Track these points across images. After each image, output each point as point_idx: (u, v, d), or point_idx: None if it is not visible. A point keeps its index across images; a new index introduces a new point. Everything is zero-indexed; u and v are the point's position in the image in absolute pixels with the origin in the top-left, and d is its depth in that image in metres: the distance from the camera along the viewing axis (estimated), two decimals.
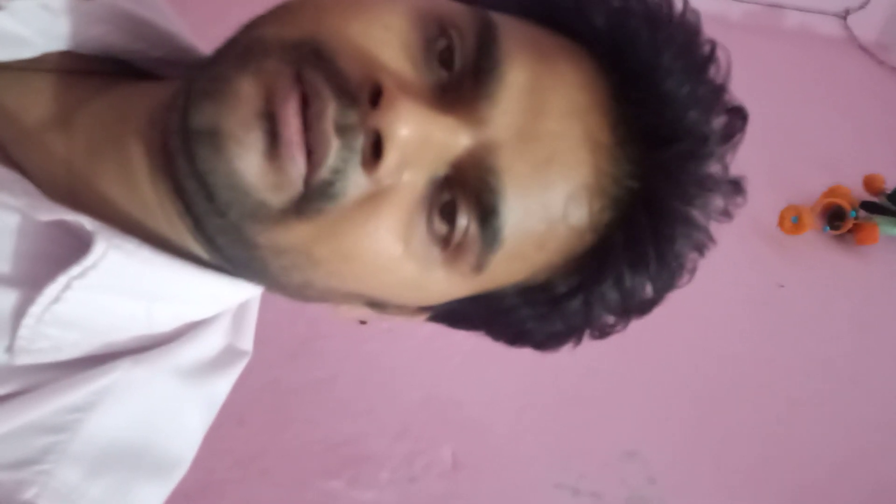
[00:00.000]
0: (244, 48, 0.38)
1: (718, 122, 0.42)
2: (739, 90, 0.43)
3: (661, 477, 1.28)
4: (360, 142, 0.36)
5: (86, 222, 0.39)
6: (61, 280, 0.38)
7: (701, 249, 0.43)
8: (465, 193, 0.39)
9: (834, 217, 1.67)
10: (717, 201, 0.42)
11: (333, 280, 0.41)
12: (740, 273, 1.51)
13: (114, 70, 0.47)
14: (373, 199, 0.37)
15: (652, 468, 1.28)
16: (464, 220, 0.39)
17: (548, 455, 1.24)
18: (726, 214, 0.43)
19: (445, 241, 0.39)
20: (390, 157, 0.36)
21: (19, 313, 0.39)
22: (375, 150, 0.36)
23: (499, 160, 0.38)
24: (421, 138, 0.36)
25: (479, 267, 0.40)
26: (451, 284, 0.42)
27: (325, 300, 0.45)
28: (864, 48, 2.07)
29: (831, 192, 1.67)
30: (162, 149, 0.39)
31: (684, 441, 1.33)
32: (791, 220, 1.60)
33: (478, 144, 0.38)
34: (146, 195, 0.41)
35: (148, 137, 0.40)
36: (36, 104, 0.44)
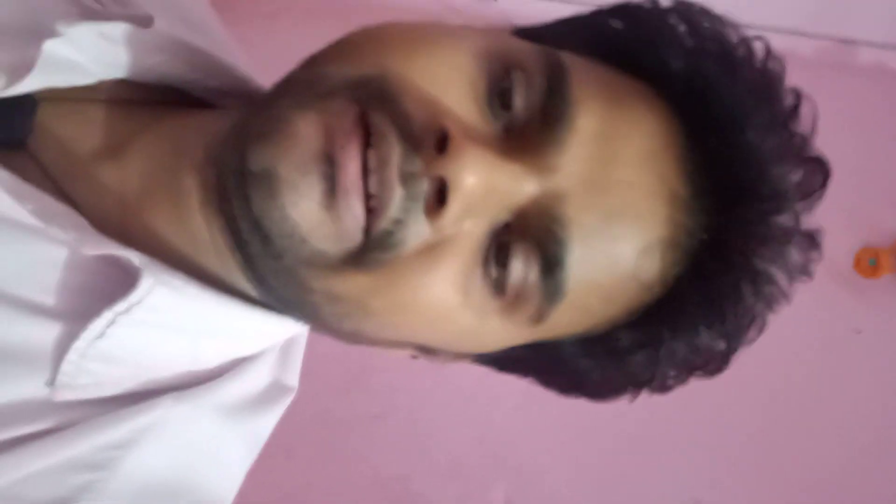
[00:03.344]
0: (305, 85, 0.38)
1: (798, 174, 0.40)
2: (810, 99, 0.41)
3: None
4: (423, 190, 0.35)
5: (134, 257, 0.38)
6: (106, 315, 0.38)
7: (773, 306, 0.41)
8: (525, 241, 0.37)
9: None
10: (795, 256, 0.40)
11: (387, 330, 0.40)
12: (814, 317, 1.44)
13: (169, 99, 0.47)
14: (432, 248, 0.36)
15: None
16: (519, 265, 0.37)
17: (606, 501, 1.20)
18: (805, 272, 0.41)
19: (500, 287, 0.38)
20: (455, 206, 0.35)
21: (63, 348, 0.38)
22: (439, 198, 0.35)
23: (566, 209, 0.37)
24: (487, 187, 0.35)
25: (538, 318, 0.39)
26: (506, 333, 0.41)
27: (376, 345, 0.44)
28: None
29: None
30: (217, 186, 0.38)
31: (751, 489, 1.28)
32: (868, 263, 1.54)
33: (544, 192, 0.37)
34: (197, 230, 0.41)
35: (203, 173, 0.40)
36: (90, 135, 0.44)
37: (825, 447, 1.35)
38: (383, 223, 0.35)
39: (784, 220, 0.40)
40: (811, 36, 1.96)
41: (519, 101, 0.37)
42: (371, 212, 0.35)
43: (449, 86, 0.37)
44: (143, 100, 0.46)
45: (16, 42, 0.41)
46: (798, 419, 1.36)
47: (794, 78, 0.41)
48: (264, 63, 0.49)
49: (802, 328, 1.45)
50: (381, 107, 0.36)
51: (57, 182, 0.42)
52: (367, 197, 0.35)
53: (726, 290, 0.40)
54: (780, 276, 0.40)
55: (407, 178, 0.35)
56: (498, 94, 0.38)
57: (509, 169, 0.36)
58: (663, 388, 0.43)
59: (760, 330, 0.42)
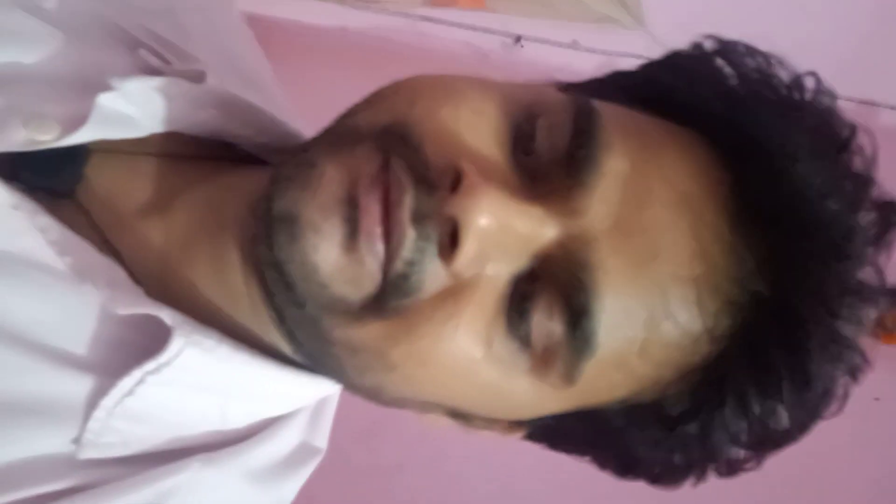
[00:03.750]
0: (336, 136, 0.37)
1: (866, 217, 0.36)
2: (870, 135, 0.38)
3: None
4: (436, 231, 0.34)
5: (165, 316, 0.38)
6: (136, 374, 0.38)
7: (853, 372, 0.37)
8: (550, 290, 0.35)
9: None
10: (870, 312, 0.36)
11: (408, 386, 0.38)
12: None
13: (221, 154, 0.47)
14: (452, 294, 0.35)
15: None
16: (542, 317, 0.35)
17: None
18: (879, 334, 0.37)
19: (525, 340, 0.36)
20: (467, 247, 0.34)
21: (91, 404, 0.38)
22: (453, 241, 0.34)
23: (593, 254, 0.35)
24: (501, 228, 0.34)
25: (569, 377, 0.36)
26: (540, 395, 0.38)
27: (402, 406, 0.42)
28: None
29: None
30: (252, 236, 0.38)
31: None
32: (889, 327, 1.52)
33: (568, 236, 0.35)
34: (234, 285, 0.40)
35: (243, 227, 0.40)
36: (138, 188, 0.44)
37: None
38: (397, 265, 0.34)
39: (851, 266, 0.35)
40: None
41: (542, 142, 0.36)
42: (386, 256, 0.35)
43: (471, 131, 0.36)
44: (194, 155, 0.46)
45: (73, 94, 0.41)
46: (814, 487, 1.34)
47: None
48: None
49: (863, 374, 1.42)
50: (401, 153, 0.35)
51: (103, 233, 0.42)
52: (385, 242, 0.35)
53: (777, 347, 0.36)
54: (850, 332, 0.36)
55: (419, 220, 0.34)
56: (521, 139, 0.37)
57: (527, 210, 0.34)
58: (730, 468, 0.40)
59: (842, 402, 0.37)
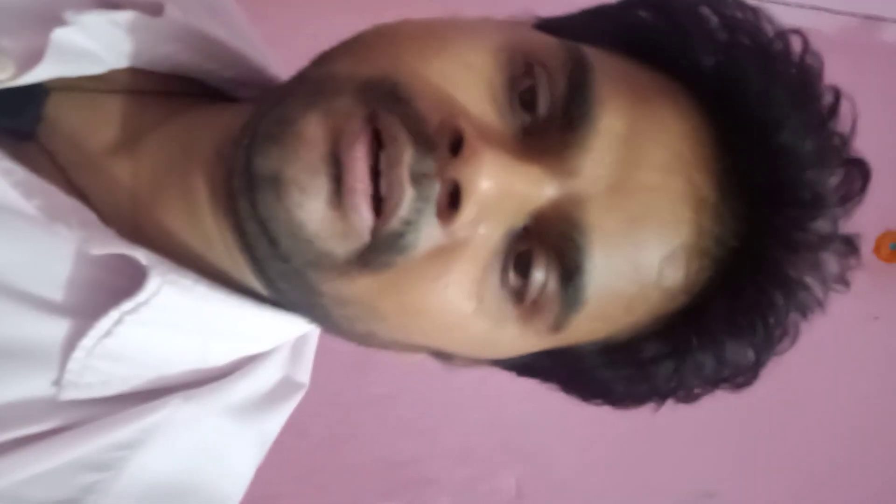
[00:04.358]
0: (313, 86, 0.37)
1: (836, 177, 0.38)
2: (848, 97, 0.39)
3: None
4: (435, 192, 0.34)
5: (141, 256, 0.37)
6: (113, 314, 0.38)
7: (808, 314, 0.40)
8: (545, 247, 0.36)
9: None
10: (831, 264, 0.39)
11: (399, 334, 0.39)
12: (831, 303, 1.43)
13: (186, 90, 0.46)
14: (445, 252, 0.35)
15: None
16: (541, 275, 0.36)
17: (619, 492, 1.20)
18: (843, 282, 0.39)
19: (519, 296, 0.37)
20: (468, 211, 0.34)
21: (70, 346, 0.38)
22: (452, 201, 0.34)
23: (587, 215, 0.35)
24: (502, 190, 0.34)
25: (557, 327, 0.38)
26: (524, 341, 0.39)
27: (388, 349, 0.43)
28: None
29: None
30: (225, 186, 0.38)
31: (763, 480, 1.27)
32: (889, 247, 1.53)
33: (564, 196, 0.35)
34: (208, 228, 0.40)
35: (213, 170, 0.39)
36: (102, 127, 0.43)
37: (840, 437, 1.34)
38: (393, 223, 0.34)
39: (821, 225, 0.38)
40: (835, 12, 1.92)
41: (542, 100, 0.36)
42: (380, 213, 0.34)
43: (464, 85, 0.35)
44: (158, 91, 0.45)
45: (28, 29, 0.40)
46: (813, 408, 1.36)
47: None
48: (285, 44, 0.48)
49: (818, 314, 1.44)
50: (391, 109, 0.35)
51: (67, 174, 0.41)
52: (378, 199, 0.34)
53: (756, 301, 0.38)
54: (815, 285, 0.39)
55: (418, 179, 0.34)
56: (519, 94, 0.36)
57: (527, 172, 0.35)
58: (688, 398, 0.42)
59: (793, 341, 0.40)
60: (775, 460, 1.30)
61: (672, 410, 0.44)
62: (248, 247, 0.38)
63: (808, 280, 0.38)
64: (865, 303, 1.50)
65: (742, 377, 0.41)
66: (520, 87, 0.36)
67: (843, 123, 0.39)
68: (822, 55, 0.39)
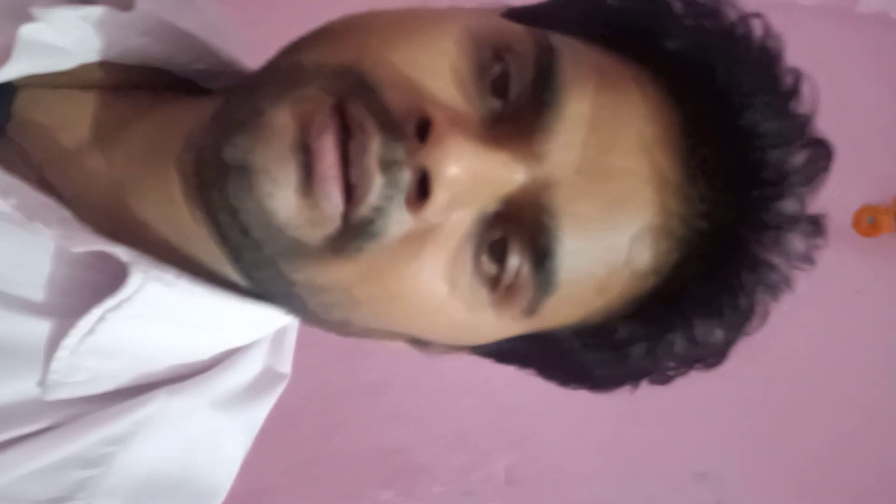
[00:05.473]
0: (282, 75, 0.37)
1: (800, 157, 0.39)
2: (810, 78, 0.40)
3: (732, 500, 1.23)
4: (405, 179, 0.34)
5: (121, 253, 0.37)
6: (95, 312, 0.38)
7: (776, 293, 0.40)
8: (517, 232, 0.36)
9: None
10: (797, 243, 0.39)
11: (375, 320, 0.39)
12: (811, 278, 1.44)
13: (158, 82, 0.45)
14: (417, 237, 0.35)
15: (722, 491, 1.24)
16: (515, 261, 0.37)
17: (611, 474, 1.20)
18: (808, 261, 0.40)
19: (495, 282, 0.37)
20: (438, 198, 0.34)
21: (52, 346, 0.38)
22: (422, 188, 0.34)
23: (555, 199, 0.36)
24: (471, 176, 0.34)
25: (531, 311, 0.38)
26: (500, 326, 0.40)
27: (367, 337, 0.43)
28: None
29: None
30: (196, 177, 0.38)
31: (756, 460, 1.28)
32: (867, 222, 1.52)
33: (533, 181, 0.36)
34: (184, 221, 0.40)
35: (185, 163, 0.39)
36: (75, 122, 0.42)
37: (828, 412, 1.35)
38: (363, 210, 0.34)
39: (786, 205, 0.39)
40: None
41: (514, 87, 0.36)
42: (350, 200, 0.34)
43: (431, 72, 0.36)
44: (131, 83, 0.45)
45: None
46: (800, 386, 1.36)
47: (793, 29, 0.40)
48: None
49: (800, 289, 1.45)
50: (358, 97, 0.35)
51: (40, 171, 0.41)
52: (348, 187, 0.34)
53: (724, 281, 0.39)
54: (782, 264, 0.39)
55: (387, 166, 0.34)
56: (492, 80, 0.37)
57: (495, 157, 0.35)
58: (664, 379, 0.43)
59: (763, 320, 0.41)
60: (765, 439, 1.31)
61: (661, 392, 0.45)
62: (223, 238, 0.38)
63: (776, 259, 0.39)
64: (847, 278, 1.52)
65: (713, 357, 0.42)
66: (490, 73, 0.37)
67: (806, 105, 0.40)
68: (795, 32, 0.40)
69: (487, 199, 0.36)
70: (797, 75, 0.39)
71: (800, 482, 1.29)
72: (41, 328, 0.38)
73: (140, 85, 0.45)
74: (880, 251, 1.56)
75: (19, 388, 0.38)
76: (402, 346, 0.45)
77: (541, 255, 0.36)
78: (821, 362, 1.40)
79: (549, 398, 1.29)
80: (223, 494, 0.46)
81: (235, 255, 0.38)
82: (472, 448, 1.18)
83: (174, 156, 0.40)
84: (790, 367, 1.37)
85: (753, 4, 0.40)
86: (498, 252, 0.37)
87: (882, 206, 1.58)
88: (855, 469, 1.32)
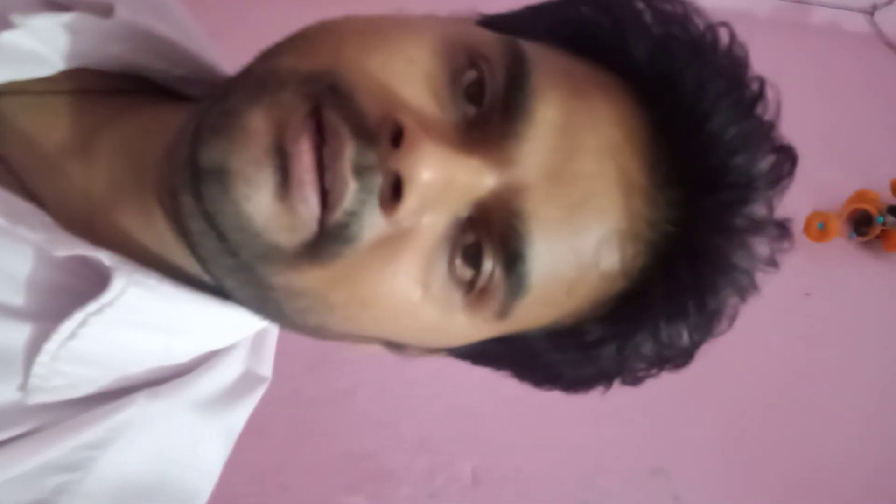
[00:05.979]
0: (257, 80, 0.37)
1: (765, 162, 0.39)
2: (773, 86, 0.41)
3: (687, 494, 1.26)
4: (378, 184, 0.35)
5: (104, 258, 0.37)
6: (77, 316, 0.37)
7: (744, 296, 0.41)
8: (489, 236, 0.37)
9: (861, 223, 1.63)
10: (762, 246, 0.40)
11: (350, 324, 0.39)
12: (764, 281, 1.47)
13: (137, 89, 0.45)
14: (390, 241, 0.36)
15: (677, 486, 1.26)
16: (490, 265, 0.37)
17: (571, 471, 1.22)
18: (773, 264, 0.40)
19: (469, 285, 0.38)
20: (410, 201, 0.34)
21: (33, 350, 0.38)
22: (395, 192, 0.35)
23: (526, 203, 0.36)
24: (443, 181, 0.35)
25: (503, 313, 0.39)
26: (473, 328, 0.40)
27: (342, 340, 0.43)
28: (891, 45, 2.03)
29: (858, 196, 1.64)
30: (168, 184, 0.37)
31: (710, 457, 1.31)
32: (817, 227, 1.56)
33: (504, 186, 0.36)
34: (163, 229, 0.40)
35: (161, 169, 0.39)
36: (55, 129, 0.42)
37: (779, 411, 1.38)
38: (337, 215, 0.34)
39: (752, 209, 0.39)
40: None
41: (488, 93, 0.37)
42: (327, 206, 0.35)
43: (404, 79, 0.36)
44: (110, 90, 0.45)
45: None
46: (752, 385, 1.38)
47: (749, 39, 0.41)
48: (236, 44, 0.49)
49: (752, 295, 1.46)
50: (333, 103, 0.35)
51: (20, 178, 0.41)
52: (324, 192, 0.35)
53: (689, 284, 0.39)
54: (748, 267, 0.40)
55: (361, 172, 0.34)
56: (466, 87, 0.37)
57: (466, 163, 0.35)
58: (634, 381, 0.44)
59: (730, 322, 0.41)
60: (717, 435, 1.33)
61: (616, 393, 0.47)
62: (193, 246, 0.37)
63: (742, 262, 0.39)
64: (797, 281, 1.55)
65: (681, 358, 0.42)
66: (464, 80, 0.37)
67: (770, 112, 0.40)
68: (749, 43, 0.40)
69: (459, 204, 0.36)
70: (762, 82, 0.40)
71: (749, 477, 1.32)
72: (22, 332, 0.38)
73: (120, 91, 0.45)
74: (829, 255, 1.60)
75: (0, 392, 0.38)
76: (376, 349, 0.45)
77: (512, 259, 0.37)
78: (769, 360, 1.43)
79: (511, 402, 1.31)
80: (204, 497, 0.46)
81: (207, 265, 0.38)
82: (437, 451, 1.18)
83: (152, 162, 0.40)
84: (739, 366, 1.39)
85: (711, 14, 0.41)
86: (472, 256, 0.37)
87: (832, 211, 1.62)
88: (798, 462, 1.35)
